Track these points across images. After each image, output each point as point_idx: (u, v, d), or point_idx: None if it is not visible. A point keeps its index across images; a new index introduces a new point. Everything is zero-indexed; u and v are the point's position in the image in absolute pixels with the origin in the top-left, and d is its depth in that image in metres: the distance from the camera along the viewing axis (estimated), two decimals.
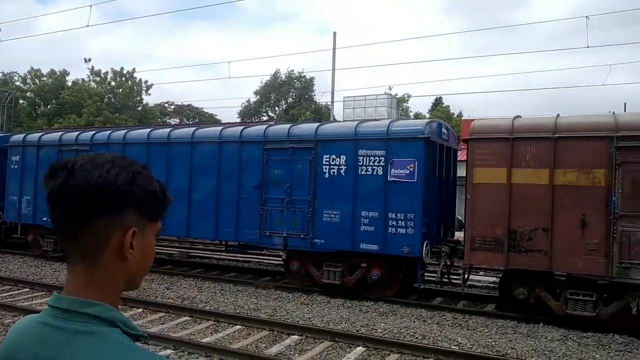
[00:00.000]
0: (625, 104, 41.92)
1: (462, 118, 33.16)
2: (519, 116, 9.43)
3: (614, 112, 8.96)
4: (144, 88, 49.95)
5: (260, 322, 8.60)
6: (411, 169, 9.99)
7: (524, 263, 8.92)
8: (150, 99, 55.13)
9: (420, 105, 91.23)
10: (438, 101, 51.95)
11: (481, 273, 13.64)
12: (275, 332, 8.21)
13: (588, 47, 32.16)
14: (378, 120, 13.28)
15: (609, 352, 7.53)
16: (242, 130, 11.96)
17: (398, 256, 10.13)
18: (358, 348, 7.50)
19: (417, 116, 47.35)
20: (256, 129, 12.05)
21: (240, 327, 8.50)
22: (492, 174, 9.11)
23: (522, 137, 8.94)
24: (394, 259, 10.30)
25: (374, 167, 10.31)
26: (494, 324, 9.01)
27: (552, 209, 8.64)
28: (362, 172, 10.40)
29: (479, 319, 9.34)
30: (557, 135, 8.68)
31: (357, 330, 8.23)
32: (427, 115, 47.96)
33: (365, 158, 10.39)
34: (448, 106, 51.42)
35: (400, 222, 10.02)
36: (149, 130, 13.77)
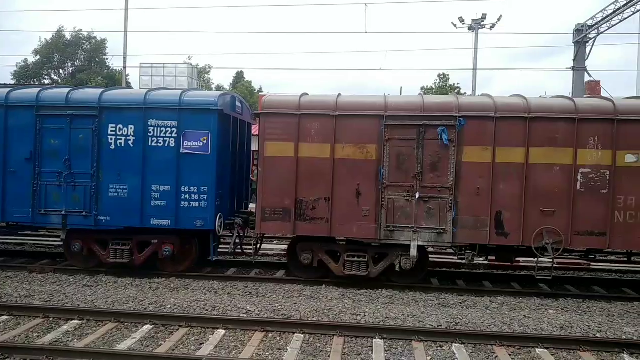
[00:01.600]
0: (401, 88, 47.68)
1: (260, 94, 33.93)
2: (306, 94, 9.96)
3: (385, 94, 10.03)
4: None
5: (32, 309, 7.74)
6: (205, 142, 9.89)
7: (308, 230, 9.60)
8: None
9: (222, 78, 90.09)
10: (240, 75, 52.19)
11: (275, 242, 14.31)
12: (51, 319, 7.50)
13: (366, 32, 35.12)
14: (171, 89, 12.73)
15: (376, 306, 8.59)
16: (8, 93, 10.34)
17: (191, 230, 10.02)
18: (145, 326, 7.27)
19: (219, 89, 46.94)
20: (27, 92, 10.52)
21: (7, 317, 7.56)
22: (282, 148, 9.53)
23: (308, 113, 9.50)
24: (187, 232, 10.17)
25: (165, 139, 9.94)
26: (282, 289, 9.57)
27: (333, 181, 9.44)
28: (153, 144, 9.95)
29: (268, 286, 9.82)
30: (337, 113, 9.44)
31: (145, 309, 7.95)
32: (229, 89, 47.87)
33: (156, 129, 9.94)
34: (250, 81, 52.07)
35: (193, 195, 9.89)
36: None
